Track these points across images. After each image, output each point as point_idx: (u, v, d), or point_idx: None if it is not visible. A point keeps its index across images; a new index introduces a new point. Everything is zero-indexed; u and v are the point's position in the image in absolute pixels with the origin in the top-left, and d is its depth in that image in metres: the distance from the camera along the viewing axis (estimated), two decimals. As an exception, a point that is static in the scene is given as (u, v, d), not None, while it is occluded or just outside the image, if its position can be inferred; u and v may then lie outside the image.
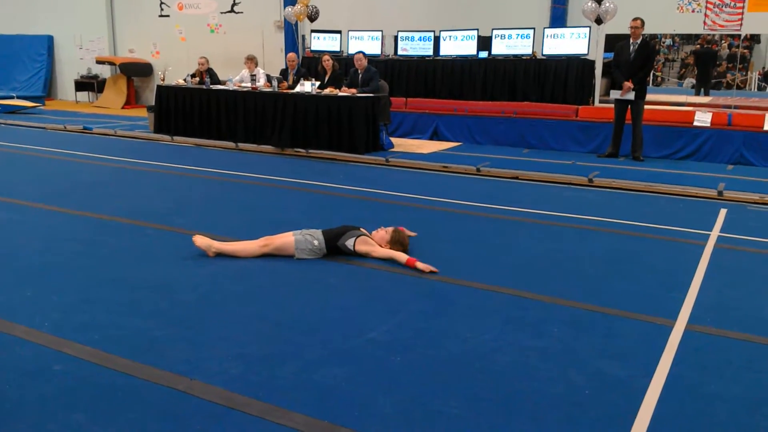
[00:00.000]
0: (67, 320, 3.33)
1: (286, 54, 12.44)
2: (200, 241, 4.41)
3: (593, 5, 10.15)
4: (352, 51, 11.83)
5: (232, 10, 15.56)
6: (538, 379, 2.82)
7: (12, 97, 15.43)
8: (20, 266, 4.18)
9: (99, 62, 16.80)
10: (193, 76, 10.79)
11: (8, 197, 6.08)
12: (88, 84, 17.40)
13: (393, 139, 9.95)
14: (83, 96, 17.69)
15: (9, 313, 3.38)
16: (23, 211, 5.68)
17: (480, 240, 5.10)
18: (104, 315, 3.42)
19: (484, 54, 11.14)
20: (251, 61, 10.68)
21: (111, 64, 16.61)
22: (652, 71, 10.86)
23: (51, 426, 2.40)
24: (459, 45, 11.33)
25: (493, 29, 11.01)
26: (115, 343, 3.07)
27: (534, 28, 10.76)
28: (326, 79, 9.99)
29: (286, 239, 4.47)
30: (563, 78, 10.47)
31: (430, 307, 3.65)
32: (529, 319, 3.49)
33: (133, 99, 16.62)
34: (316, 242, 4.46)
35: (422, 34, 11.70)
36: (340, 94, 9.25)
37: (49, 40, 18.17)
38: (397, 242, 4.53)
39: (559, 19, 11.68)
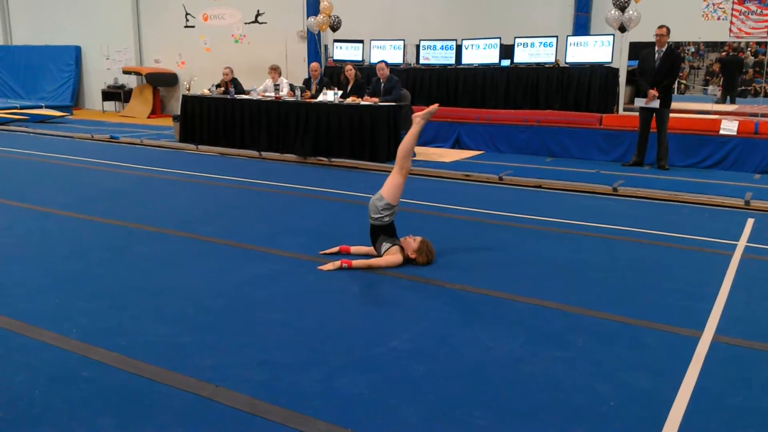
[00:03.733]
0: (94, 326, 3.38)
1: (309, 64, 12.53)
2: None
3: (617, 13, 10.09)
4: (374, 60, 11.88)
5: (256, 21, 15.74)
6: (563, 390, 2.80)
7: (40, 107, 15.74)
8: (49, 273, 4.26)
9: (125, 72, 17.07)
10: (218, 86, 10.93)
11: (37, 205, 6.20)
12: (115, 94, 17.70)
13: (415, 148, 9.92)
14: (110, 105, 18.00)
15: (38, 319, 3.44)
16: (52, 218, 5.78)
17: (503, 249, 5.08)
18: (131, 321, 3.47)
19: (506, 62, 11.12)
20: (275, 71, 10.79)
21: (137, 74, 16.87)
22: (677, 79, 10.72)
23: (78, 431, 2.43)
24: (481, 53, 11.33)
25: (515, 37, 10.99)
26: (142, 349, 3.11)
27: (557, 36, 10.72)
28: (348, 88, 10.05)
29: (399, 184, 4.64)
30: (587, 86, 10.40)
31: (453, 316, 3.64)
32: (554, 329, 3.47)
33: (158, 108, 16.86)
34: (385, 212, 4.56)
35: (444, 43, 11.72)
36: (362, 103, 9.30)
37: (77, 50, 18.52)
38: (423, 253, 4.53)
39: (582, 26, 11.62)
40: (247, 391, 2.72)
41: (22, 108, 15.17)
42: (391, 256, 4.50)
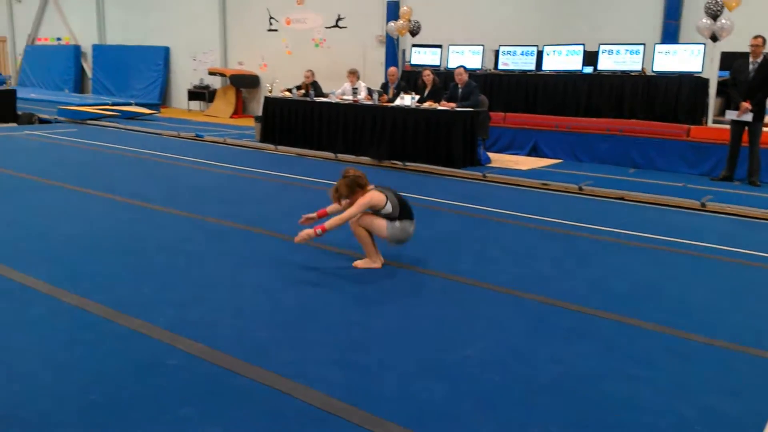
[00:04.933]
0: (180, 317, 3.52)
1: (386, 68, 12.62)
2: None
3: (708, 21, 9.66)
4: (451, 65, 11.83)
5: (336, 25, 15.99)
6: (646, 411, 2.70)
7: (130, 104, 16.51)
8: (140, 264, 4.46)
9: (211, 73, 17.70)
10: (298, 88, 11.17)
11: (128, 197, 6.51)
12: (200, 94, 18.37)
13: (490, 154, 9.86)
14: (195, 105, 18.69)
15: (129, 308, 3.62)
16: (141, 211, 6.06)
17: (582, 262, 4.95)
18: (213, 314, 3.59)
19: (588, 69, 10.85)
20: (353, 75, 10.93)
21: (222, 75, 17.46)
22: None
23: (164, 418, 2.54)
24: (563, 60, 11.08)
25: (600, 44, 10.70)
26: (223, 342, 3.21)
27: (644, 44, 10.37)
28: (426, 93, 10.06)
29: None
30: (674, 96, 9.99)
31: (528, 327, 3.58)
32: (635, 347, 3.35)
33: (240, 109, 17.37)
34: (397, 224, 4.48)
35: (524, 49, 11.55)
36: (439, 108, 9.29)
37: (166, 51, 19.35)
38: (348, 190, 4.41)
39: (671, 34, 11.18)
40: (323, 389, 2.76)
41: (113, 105, 15.98)
42: (356, 204, 4.39)
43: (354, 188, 4.44)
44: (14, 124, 13.20)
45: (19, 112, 13.69)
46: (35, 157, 9.27)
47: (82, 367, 2.93)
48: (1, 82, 14.75)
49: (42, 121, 13.77)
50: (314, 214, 4.64)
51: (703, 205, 6.97)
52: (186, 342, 3.20)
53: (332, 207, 4.62)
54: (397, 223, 4.48)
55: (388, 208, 4.45)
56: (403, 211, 4.51)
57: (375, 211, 4.47)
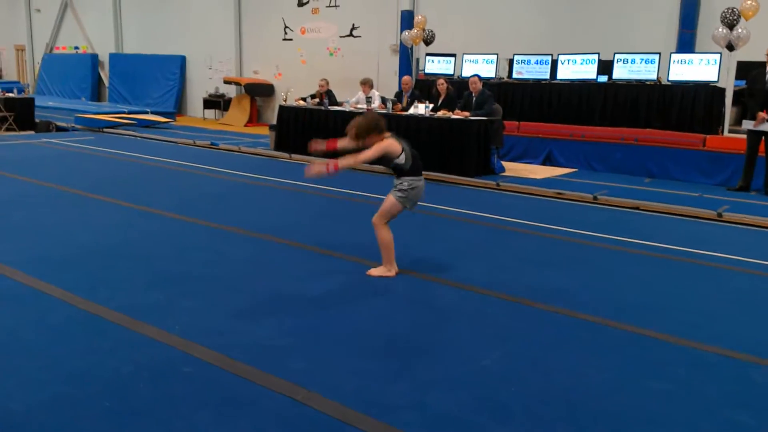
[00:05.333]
0: (194, 324, 3.53)
1: (400, 77, 12.65)
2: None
3: (724, 31, 9.61)
4: (465, 74, 11.85)
5: (350, 35, 16.07)
6: (661, 425, 2.67)
7: (146, 112, 16.66)
8: (155, 271, 4.49)
9: (226, 82, 17.84)
10: (313, 96, 11.23)
11: (143, 205, 6.56)
12: (215, 102, 18.50)
13: (504, 163, 9.83)
14: (210, 113, 18.83)
15: (143, 315, 3.64)
16: (156, 218, 6.10)
17: (596, 272, 4.92)
18: (227, 321, 3.61)
19: (603, 78, 10.81)
20: (366, 84, 10.94)
21: (237, 84, 17.59)
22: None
23: (178, 424, 2.55)
24: (578, 69, 11.05)
25: (615, 53, 10.67)
26: (239, 349, 3.22)
27: (660, 53, 10.32)
28: (440, 101, 10.07)
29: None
30: (690, 105, 9.93)
31: (544, 338, 3.56)
32: (652, 359, 3.32)
33: (255, 117, 17.48)
34: (405, 185, 4.41)
35: (539, 57, 11.53)
36: (453, 116, 9.29)
37: (182, 60, 19.53)
38: (358, 132, 4.28)
39: (687, 44, 11.11)
40: (337, 398, 2.76)
41: (129, 113, 16.12)
42: (373, 148, 4.27)
43: (371, 130, 4.30)
44: (32, 132, 13.37)
45: (37, 120, 13.88)
46: (52, 164, 9.37)
47: (96, 373, 2.94)
48: (20, 91, 14.92)
49: (59, 129, 13.94)
50: (323, 143, 4.57)
51: (719, 215, 6.91)
52: (201, 349, 3.21)
53: (344, 142, 4.52)
54: (405, 184, 4.41)
55: (402, 158, 4.36)
56: (414, 165, 4.44)
57: (388, 159, 4.37)
